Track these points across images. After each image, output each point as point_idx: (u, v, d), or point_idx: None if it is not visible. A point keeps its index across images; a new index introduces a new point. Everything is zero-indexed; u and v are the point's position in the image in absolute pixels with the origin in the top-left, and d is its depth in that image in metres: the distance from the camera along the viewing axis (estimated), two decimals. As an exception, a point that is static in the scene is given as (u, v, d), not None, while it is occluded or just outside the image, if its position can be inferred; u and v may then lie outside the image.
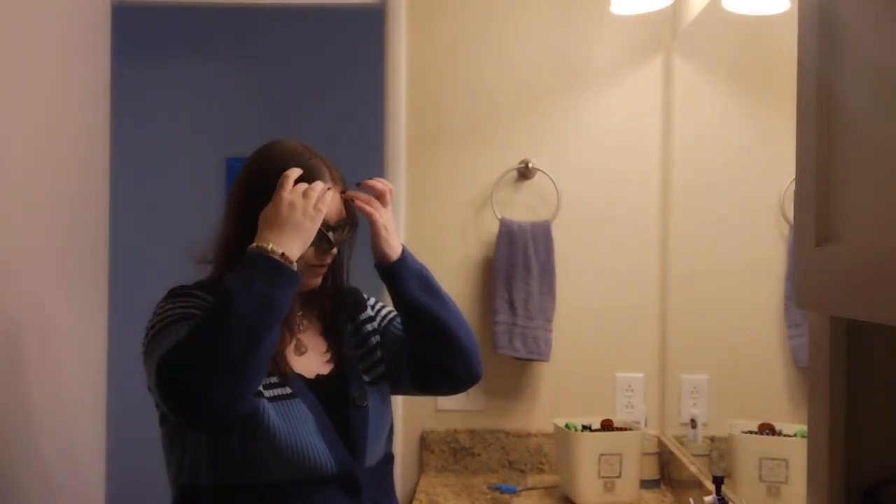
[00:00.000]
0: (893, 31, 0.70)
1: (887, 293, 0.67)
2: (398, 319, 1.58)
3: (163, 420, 1.41)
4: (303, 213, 1.33)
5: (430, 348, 1.50)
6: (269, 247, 1.30)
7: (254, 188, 1.42)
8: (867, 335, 0.94)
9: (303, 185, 1.36)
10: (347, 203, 1.47)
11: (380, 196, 1.49)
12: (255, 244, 1.31)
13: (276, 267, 1.29)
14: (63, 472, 1.93)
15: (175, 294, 1.40)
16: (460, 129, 2.39)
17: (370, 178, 1.51)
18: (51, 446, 1.87)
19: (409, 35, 2.39)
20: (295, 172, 1.38)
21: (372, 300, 1.63)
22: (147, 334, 1.37)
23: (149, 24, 3.45)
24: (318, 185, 1.37)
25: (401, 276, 1.48)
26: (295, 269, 1.31)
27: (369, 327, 1.57)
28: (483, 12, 2.39)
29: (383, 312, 1.61)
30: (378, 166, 2.38)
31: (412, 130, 2.39)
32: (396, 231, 1.52)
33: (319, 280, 1.47)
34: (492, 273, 2.33)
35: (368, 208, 1.47)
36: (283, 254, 1.30)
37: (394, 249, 1.48)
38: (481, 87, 2.39)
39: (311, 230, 1.34)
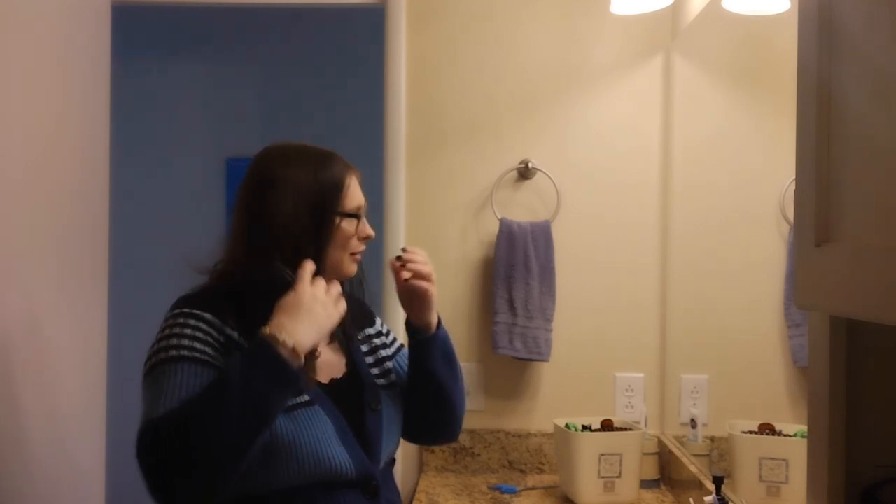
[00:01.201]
0: (893, 31, 0.70)
1: (887, 293, 0.67)
2: (403, 352, 1.62)
3: None
4: (323, 306, 1.31)
5: (428, 410, 1.56)
6: (282, 338, 1.25)
7: (266, 189, 1.42)
8: (867, 335, 0.94)
9: (322, 281, 1.34)
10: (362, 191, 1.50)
11: (427, 275, 1.50)
12: (268, 330, 1.26)
13: (282, 366, 1.24)
14: (62, 476, 1.93)
15: (182, 313, 1.36)
16: (460, 129, 2.39)
17: (408, 251, 1.52)
18: (48, 450, 1.87)
19: (409, 35, 2.39)
20: (311, 266, 1.35)
21: (378, 319, 1.64)
22: (149, 357, 1.34)
23: (149, 24, 3.45)
24: (337, 287, 1.37)
25: (432, 348, 1.53)
26: (301, 364, 1.27)
27: (378, 342, 1.59)
28: (483, 12, 2.39)
29: (391, 338, 1.64)
30: (378, 166, 2.38)
31: (412, 130, 2.39)
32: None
33: (356, 267, 1.49)
34: (492, 273, 2.33)
35: (426, 285, 1.49)
36: (293, 348, 1.25)
37: (433, 321, 1.53)
38: (481, 87, 2.39)
39: (327, 327, 1.32)
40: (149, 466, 1.21)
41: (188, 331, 1.33)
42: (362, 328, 1.58)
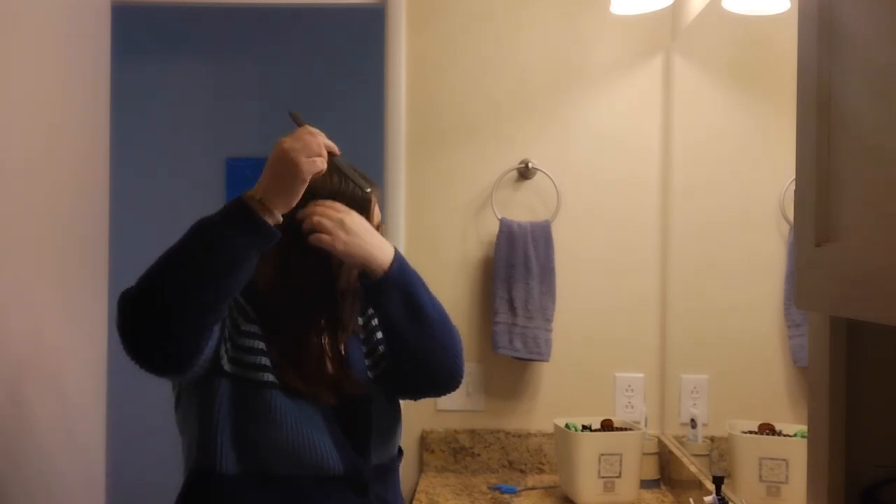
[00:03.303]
0: (893, 31, 0.70)
1: (887, 293, 0.67)
2: None
3: (177, 403, 1.43)
4: (295, 161, 1.27)
5: (407, 371, 1.47)
6: (251, 194, 1.27)
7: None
8: (867, 335, 0.94)
9: (307, 136, 1.30)
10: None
11: (328, 215, 1.38)
12: (247, 197, 1.27)
13: (246, 214, 1.26)
14: (65, 474, 1.93)
15: None
16: (460, 129, 2.39)
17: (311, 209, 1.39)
18: (49, 450, 1.87)
19: (409, 35, 2.39)
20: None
21: None
22: None
23: (149, 24, 3.45)
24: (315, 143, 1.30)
25: (382, 295, 1.40)
26: (275, 220, 1.28)
27: (375, 323, 1.56)
28: (483, 12, 2.39)
29: None
30: (378, 166, 2.38)
31: (412, 130, 2.39)
32: (378, 235, 1.42)
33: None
34: (492, 273, 2.33)
35: (326, 238, 1.36)
36: (261, 200, 1.26)
37: (378, 262, 1.39)
38: (481, 87, 2.39)
39: (293, 183, 1.29)
40: (123, 318, 1.25)
41: None
42: (364, 311, 1.54)
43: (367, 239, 1.39)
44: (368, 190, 1.44)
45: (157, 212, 3.55)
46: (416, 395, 1.58)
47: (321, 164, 1.30)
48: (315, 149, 1.29)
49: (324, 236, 1.36)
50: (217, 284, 1.25)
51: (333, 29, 3.54)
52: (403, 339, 1.42)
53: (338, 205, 1.40)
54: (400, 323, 1.41)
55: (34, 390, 1.79)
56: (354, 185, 1.43)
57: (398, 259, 1.41)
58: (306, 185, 1.30)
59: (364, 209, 1.44)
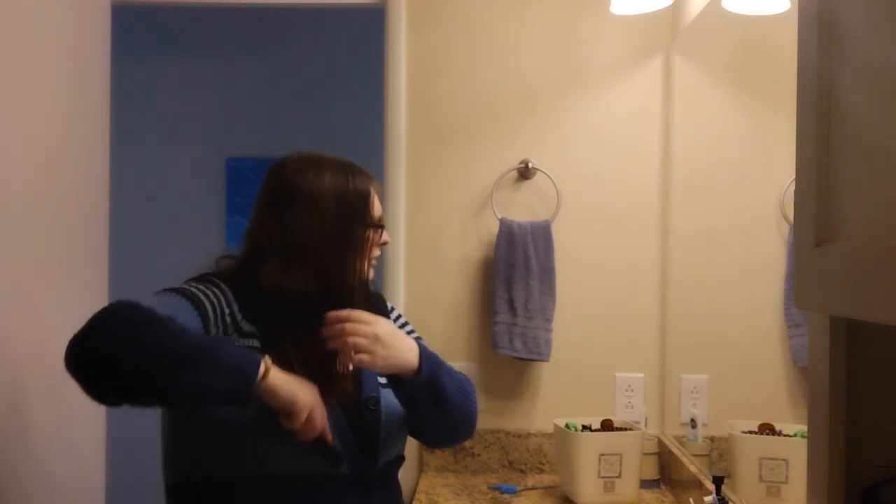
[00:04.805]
0: (893, 31, 0.70)
1: (887, 293, 0.67)
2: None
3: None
4: (311, 395, 1.30)
5: (424, 436, 1.59)
6: (269, 366, 1.26)
7: (290, 198, 1.43)
8: (867, 335, 0.94)
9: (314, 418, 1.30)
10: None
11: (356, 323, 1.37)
12: (269, 359, 1.27)
13: (247, 373, 1.24)
14: (63, 474, 1.93)
15: (202, 277, 1.44)
16: (460, 129, 2.39)
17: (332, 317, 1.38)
18: (49, 448, 1.87)
19: (409, 35, 2.39)
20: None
21: (395, 313, 1.64)
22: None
23: (149, 24, 3.46)
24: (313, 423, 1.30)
25: (414, 396, 1.43)
26: (254, 396, 1.25)
27: None
28: (483, 12, 2.39)
29: (406, 330, 1.61)
30: (378, 166, 2.38)
31: (412, 130, 2.39)
32: (403, 335, 1.42)
33: (373, 272, 1.52)
34: (492, 273, 2.33)
35: (366, 358, 1.36)
36: (267, 370, 1.25)
37: (409, 365, 1.40)
38: (481, 87, 2.39)
39: (300, 394, 1.29)
40: (84, 337, 1.28)
41: (202, 286, 1.41)
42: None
43: (398, 345, 1.39)
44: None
45: (157, 212, 3.55)
46: (427, 444, 1.71)
47: (320, 418, 1.30)
48: (321, 415, 1.30)
49: (364, 357, 1.36)
50: (177, 386, 1.22)
51: (333, 29, 3.54)
52: (427, 424, 1.50)
53: (363, 315, 1.38)
54: (426, 413, 1.46)
55: (34, 395, 1.79)
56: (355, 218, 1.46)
57: (423, 355, 1.42)
58: (291, 404, 1.27)
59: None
